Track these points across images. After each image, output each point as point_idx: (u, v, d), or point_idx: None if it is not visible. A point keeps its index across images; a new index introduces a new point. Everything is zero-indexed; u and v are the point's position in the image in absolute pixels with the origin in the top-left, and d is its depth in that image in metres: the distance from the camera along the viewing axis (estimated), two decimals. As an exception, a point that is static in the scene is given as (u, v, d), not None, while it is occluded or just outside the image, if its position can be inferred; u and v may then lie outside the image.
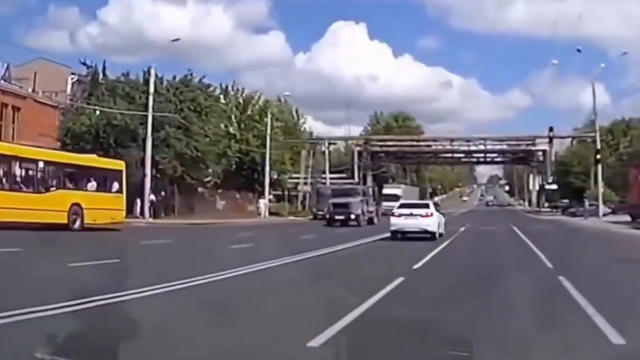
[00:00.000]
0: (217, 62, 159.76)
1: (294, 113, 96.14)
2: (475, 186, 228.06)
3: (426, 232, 23.26)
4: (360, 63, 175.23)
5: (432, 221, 23.56)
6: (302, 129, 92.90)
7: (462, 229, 33.56)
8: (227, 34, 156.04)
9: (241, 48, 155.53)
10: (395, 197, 75.95)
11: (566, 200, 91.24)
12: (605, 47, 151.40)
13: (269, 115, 56.26)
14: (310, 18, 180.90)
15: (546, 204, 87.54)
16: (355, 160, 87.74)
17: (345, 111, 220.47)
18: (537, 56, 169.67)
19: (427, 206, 25.17)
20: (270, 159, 58.45)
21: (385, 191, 78.32)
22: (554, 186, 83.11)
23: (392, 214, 24.85)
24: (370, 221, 42.03)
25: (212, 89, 45.07)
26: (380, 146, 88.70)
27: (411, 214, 23.68)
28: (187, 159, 40.84)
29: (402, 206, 25.49)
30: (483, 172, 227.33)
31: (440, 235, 24.26)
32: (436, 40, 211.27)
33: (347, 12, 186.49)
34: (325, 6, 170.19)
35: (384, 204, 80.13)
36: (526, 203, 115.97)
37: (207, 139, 42.50)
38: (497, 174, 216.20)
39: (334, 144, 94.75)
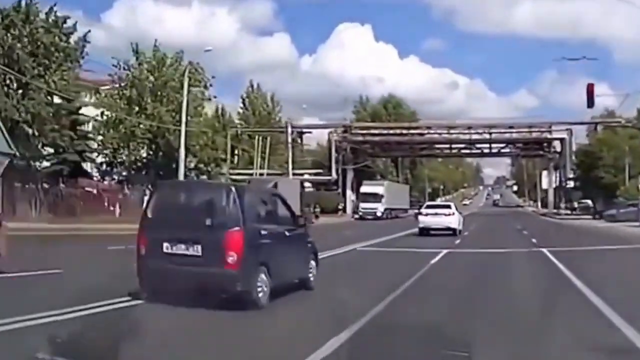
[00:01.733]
0: (222, 64, 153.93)
1: (269, 100, 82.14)
2: (481, 187, 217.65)
3: (449, 229, 27.40)
4: (366, 65, 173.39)
5: (454, 219, 27.98)
6: (278, 118, 78.03)
7: (439, 256, 17.94)
8: (232, 36, 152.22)
9: (246, 50, 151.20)
10: (375, 197, 60.43)
11: (586, 200, 76.04)
12: (610, 49, 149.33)
13: (186, 78, 40.83)
14: (316, 20, 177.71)
15: (562, 205, 72.25)
16: (333, 152, 72.16)
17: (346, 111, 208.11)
18: (543, 57, 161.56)
19: (449, 207, 30.46)
20: (195, 142, 43.37)
21: (363, 189, 62.70)
22: (571, 183, 67.89)
23: (420, 213, 30.02)
24: None
25: (68, 25, 29.46)
26: (364, 135, 73.08)
27: (436, 214, 28.72)
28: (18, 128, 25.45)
29: (428, 207, 31.48)
30: (490, 173, 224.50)
31: (460, 232, 27.66)
32: (442, 41, 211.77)
33: (352, 13, 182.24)
34: (330, 8, 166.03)
35: (362, 205, 64.65)
36: (538, 204, 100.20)
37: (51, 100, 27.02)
38: (505, 175, 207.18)
39: (308, 132, 79.42)
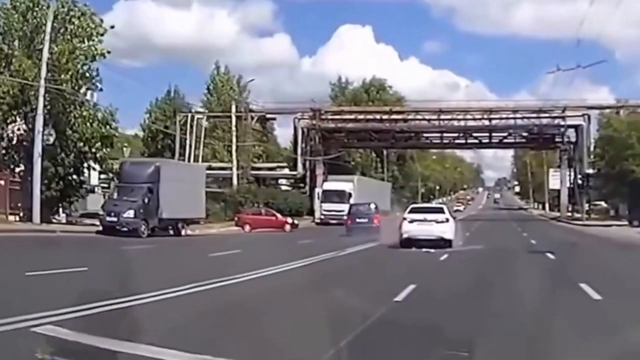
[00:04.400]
0: (222, 65, 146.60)
1: (235, 84, 69.33)
2: (480, 189, 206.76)
3: (442, 239, 21.26)
4: (366, 66, 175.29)
5: (448, 228, 21.91)
6: (247, 103, 65.10)
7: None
8: (233, 37, 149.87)
9: (247, 51, 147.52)
10: (342, 196, 47.06)
11: (599, 202, 63.43)
12: (613, 48, 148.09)
13: (50, 15, 28.46)
14: (316, 21, 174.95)
15: (580, 207, 59.84)
16: (299, 142, 59.35)
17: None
18: (544, 58, 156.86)
19: (442, 211, 23.35)
20: (77, 113, 31.00)
21: (326, 186, 49.87)
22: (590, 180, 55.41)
23: (404, 219, 22.33)
24: None
25: None
26: (336, 121, 60.19)
27: (425, 220, 21.94)
28: None
29: (413, 210, 23.33)
30: (490, 175, 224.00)
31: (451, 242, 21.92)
32: (442, 42, 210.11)
33: (352, 14, 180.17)
34: (330, 9, 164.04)
35: (325, 206, 51.55)
36: (546, 206, 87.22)
37: None
38: (506, 177, 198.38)
39: (272, 119, 66.72)
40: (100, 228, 25.61)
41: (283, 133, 79.59)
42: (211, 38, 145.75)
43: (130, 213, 24.86)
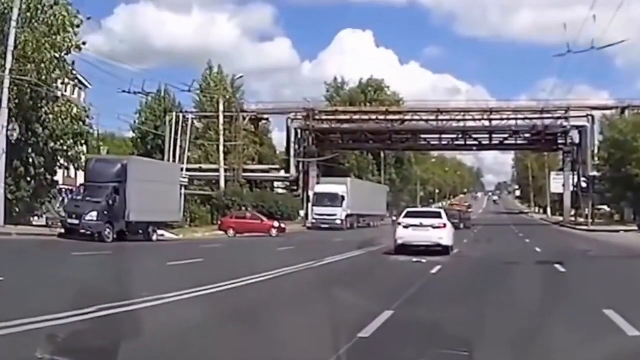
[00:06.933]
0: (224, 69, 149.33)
1: (228, 84, 67.09)
2: (481, 194, 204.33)
3: (439, 246, 19.87)
4: (367, 70, 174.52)
5: (446, 233, 20.28)
6: (241, 104, 63.07)
7: None
8: (234, 42, 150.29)
9: (247, 56, 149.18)
10: (334, 200, 44.72)
11: (602, 207, 61.07)
12: (613, 54, 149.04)
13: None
14: (317, 26, 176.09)
15: (572, 211, 57.84)
16: (292, 144, 57.25)
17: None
18: (544, 63, 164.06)
19: (439, 215, 21.52)
20: (48, 109, 29.04)
21: (318, 189, 47.59)
22: (583, 184, 53.22)
23: (398, 224, 20.82)
24: None
25: None
26: (331, 122, 58.01)
27: (421, 225, 20.21)
28: None
29: (409, 215, 21.36)
30: (491, 180, 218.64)
31: (452, 249, 20.46)
32: (442, 47, 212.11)
33: (353, 19, 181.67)
34: (331, 14, 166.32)
35: (316, 209, 49.13)
36: (548, 210, 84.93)
37: None
38: (507, 181, 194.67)
39: (265, 119, 64.56)
40: (63, 231, 23.47)
41: (281, 137, 77.71)
42: (212, 42, 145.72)
43: (93, 215, 22.72)
